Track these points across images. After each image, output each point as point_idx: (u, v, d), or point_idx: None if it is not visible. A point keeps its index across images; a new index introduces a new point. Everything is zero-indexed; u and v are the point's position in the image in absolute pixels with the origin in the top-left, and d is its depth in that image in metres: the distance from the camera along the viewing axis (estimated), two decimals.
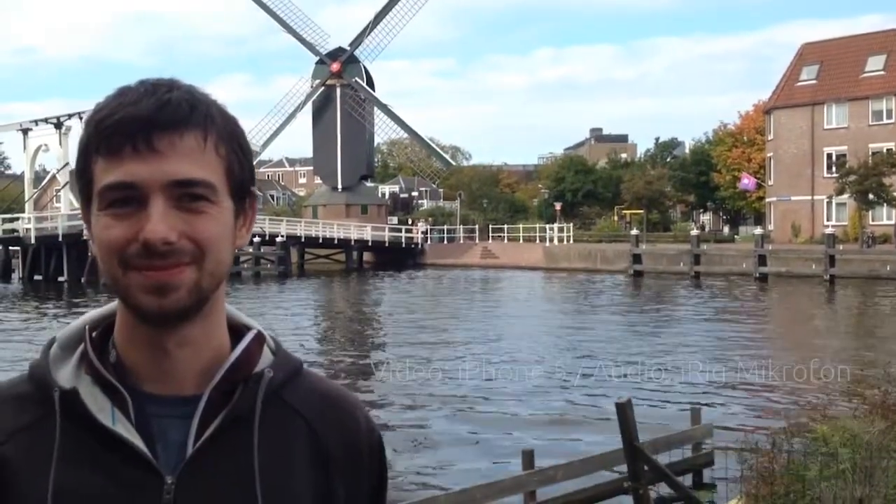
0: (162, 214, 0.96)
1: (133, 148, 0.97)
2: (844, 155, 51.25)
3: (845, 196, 46.00)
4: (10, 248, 49.45)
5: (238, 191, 1.04)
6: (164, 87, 1.00)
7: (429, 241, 59.50)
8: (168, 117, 0.98)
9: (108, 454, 1.00)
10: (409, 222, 65.42)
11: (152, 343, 1.03)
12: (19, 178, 55.04)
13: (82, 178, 1.02)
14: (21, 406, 1.04)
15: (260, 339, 1.11)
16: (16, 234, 47.72)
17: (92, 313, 1.10)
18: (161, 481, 1.00)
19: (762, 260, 39.31)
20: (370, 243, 57.29)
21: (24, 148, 50.88)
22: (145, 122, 0.97)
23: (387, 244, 57.90)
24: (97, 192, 0.99)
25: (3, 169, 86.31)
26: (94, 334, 1.07)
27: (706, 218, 78.33)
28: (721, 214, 75.24)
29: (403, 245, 58.47)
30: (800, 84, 55.47)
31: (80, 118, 49.12)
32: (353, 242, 56.33)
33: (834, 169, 50.41)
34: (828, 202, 51.64)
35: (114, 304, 1.08)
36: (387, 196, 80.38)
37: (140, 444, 1.00)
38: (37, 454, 1.00)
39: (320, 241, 56.04)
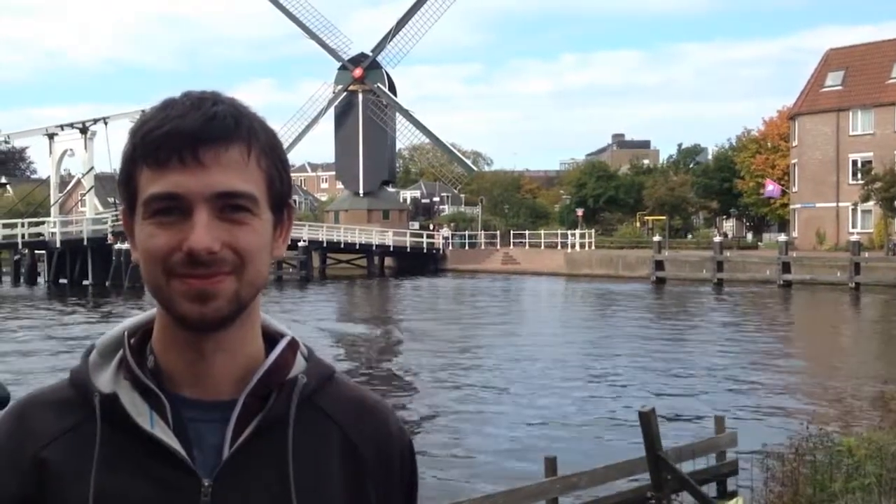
0: (206, 225, 0.99)
1: (180, 160, 0.99)
2: (870, 161, 50.78)
3: (871, 203, 45.58)
4: (36, 251, 49.94)
5: (277, 203, 1.07)
6: (210, 101, 1.02)
7: (450, 247, 59.50)
8: (214, 131, 1.00)
9: (146, 457, 1.02)
10: (431, 227, 65.41)
11: (191, 346, 1.05)
12: (45, 183, 55.53)
13: (127, 187, 1.04)
14: (63, 411, 1.06)
15: (293, 345, 1.13)
16: (41, 237, 48.20)
17: (130, 320, 1.13)
18: (198, 484, 1.02)
19: (786, 267, 39.00)
20: (391, 248, 57.37)
21: (50, 152, 51.37)
22: (192, 136, 0.99)
23: (408, 249, 57.95)
24: (142, 202, 1.01)
25: (28, 173, 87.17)
26: (132, 340, 1.09)
27: (729, 224, 77.73)
28: (744, 221, 74.62)
29: (425, 250, 58.48)
30: (825, 90, 55.02)
31: (106, 123, 49.57)
32: (374, 247, 56.44)
33: (859, 176, 49.94)
34: (853, 209, 51.14)
35: (151, 312, 1.10)
36: (408, 201, 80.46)
37: (178, 447, 1.02)
38: (78, 457, 1.03)
39: (342, 245, 56.18)
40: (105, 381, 1.06)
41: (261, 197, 1.03)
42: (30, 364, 18.08)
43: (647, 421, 7.39)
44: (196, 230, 0.98)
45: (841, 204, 52.67)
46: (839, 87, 54.33)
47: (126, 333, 1.09)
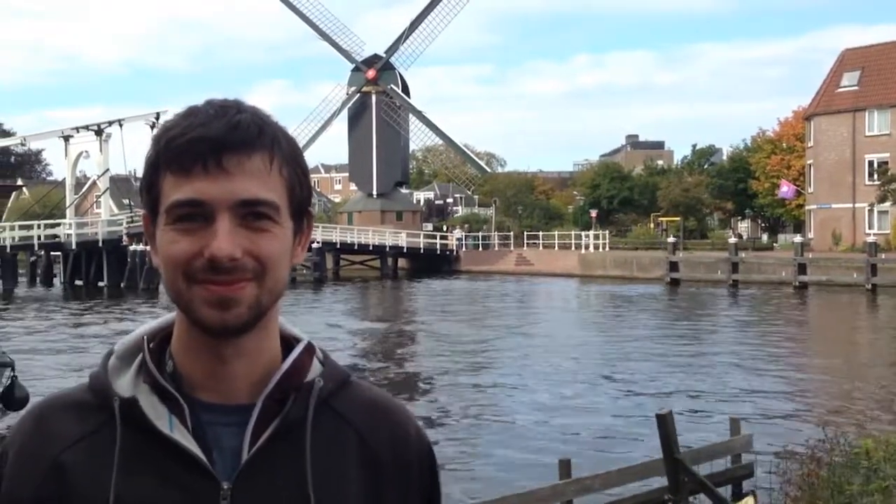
0: (228, 232, 1.00)
1: (203, 167, 1.00)
2: (886, 162, 50.49)
3: (887, 204, 45.30)
4: (52, 253, 50.25)
5: (298, 211, 1.08)
6: (233, 109, 1.04)
7: (464, 248, 59.50)
8: (238, 139, 1.01)
9: (166, 461, 1.03)
10: (444, 229, 65.42)
11: (210, 352, 1.06)
12: (60, 185, 55.86)
13: (149, 193, 1.05)
14: (82, 414, 1.07)
15: (310, 349, 1.14)
16: (57, 239, 48.48)
17: (149, 325, 1.13)
18: (217, 487, 1.03)
19: (802, 268, 38.75)
20: (405, 250, 57.40)
21: (66, 154, 51.63)
22: (216, 144, 1.00)
23: (422, 251, 57.97)
24: (165, 208, 1.02)
25: (44, 175, 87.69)
26: (151, 345, 1.10)
27: (744, 225, 77.38)
28: (759, 222, 74.27)
29: (438, 251, 58.50)
30: (841, 90, 54.68)
31: (121, 125, 49.81)
32: (388, 249, 56.49)
33: (875, 176, 49.65)
34: (869, 210, 50.83)
35: (170, 316, 1.11)
36: (422, 202, 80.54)
37: (197, 450, 1.03)
38: (97, 461, 1.04)
39: (355, 247, 56.28)
40: (124, 385, 1.07)
41: (282, 205, 1.04)
42: (47, 365, 18.19)
43: (665, 423, 7.35)
44: (218, 237, 0.99)
45: (857, 205, 52.35)
46: (855, 88, 53.98)
47: (145, 338, 1.10)
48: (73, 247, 47.13)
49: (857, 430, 10.41)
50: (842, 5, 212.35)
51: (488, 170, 75.54)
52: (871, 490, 5.74)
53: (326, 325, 26.12)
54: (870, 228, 50.02)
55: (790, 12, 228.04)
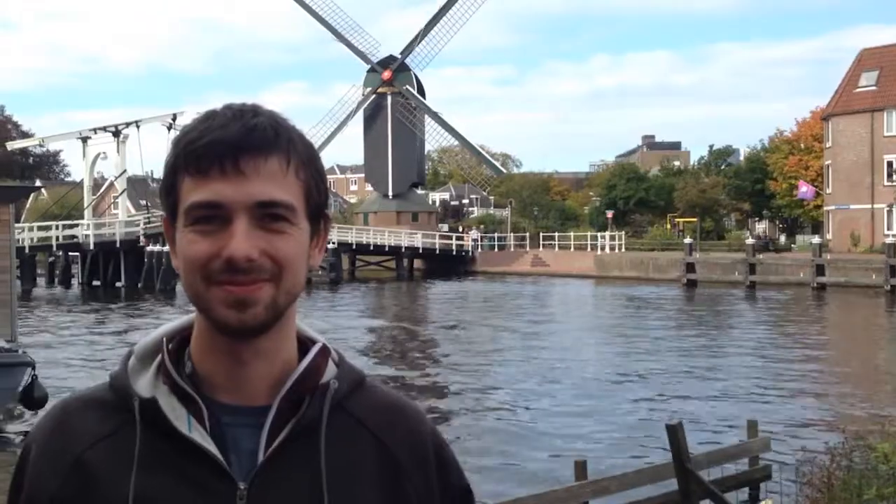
0: (245, 233, 1.01)
1: (220, 170, 1.02)
2: None
3: None
4: (70, 253, 50.61)
5: (314, 213, 1.10)
6: (250, 112, 1.06)
7: (479, 249, 59.46)
8: (255, 142, 1.03)
9: (184, 461, 1.04)
10: (460, 230, 65.40)
11: (228, 353, 1.07)
12: (79, 186, 56.24)
13: (169, 196, 1.07)
14: (104, 414, 1.09)
15: (325, 351, 1.15)
16: (75, 240, 48.82)
17: (168, 326, 1.15)
18: (234, 487, 1.04)
19: (820, 270, 38.51)
20: (421, 250, 57.44)
21: (84, 155, 51.97)
22: (233, 146, 1.02)
23: (437, 251, 57.98)
24: (184, 210, 1.04)
25: (63, 176, 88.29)
26: (170, 346, 1.11)
27: (762, 226, 76.90)
28: (777, 223, 73.82)
29: (454, 252, 58.49)
30: (859, 90, 54.29)
31: (138, 126, 50.09)
32: (403, 250, 56.53)
33: (894, 177, 49.27)
34: (888, 211, 50.46)
35: (190, 318, 1.13)
36: (437, 203, 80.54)
37: (215, 450, 1.04)
38: (118, 460, 1.05)
39: (371, 248, 56.37)
40: (144, 385, 1.09)
41: (298, 207, 1.06)
42: (65, 365, 18.31)
43: (675, 434, 7.34)
44: (235, 238, 1.01)
45: (876, 205, 51.96)
46: (873, 88, 53.59)
47: (164, 339, 1.12)
48: (91, 247, 47.44)
49: (877, 433, 10.33)
50: (861, 5, 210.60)
51: (504, 170, 75.47)
52: (889, 494, 5.70)
53: (343, 326, 26.16)
54: (889, 229, 49.65)
55: (809, 12, 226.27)
